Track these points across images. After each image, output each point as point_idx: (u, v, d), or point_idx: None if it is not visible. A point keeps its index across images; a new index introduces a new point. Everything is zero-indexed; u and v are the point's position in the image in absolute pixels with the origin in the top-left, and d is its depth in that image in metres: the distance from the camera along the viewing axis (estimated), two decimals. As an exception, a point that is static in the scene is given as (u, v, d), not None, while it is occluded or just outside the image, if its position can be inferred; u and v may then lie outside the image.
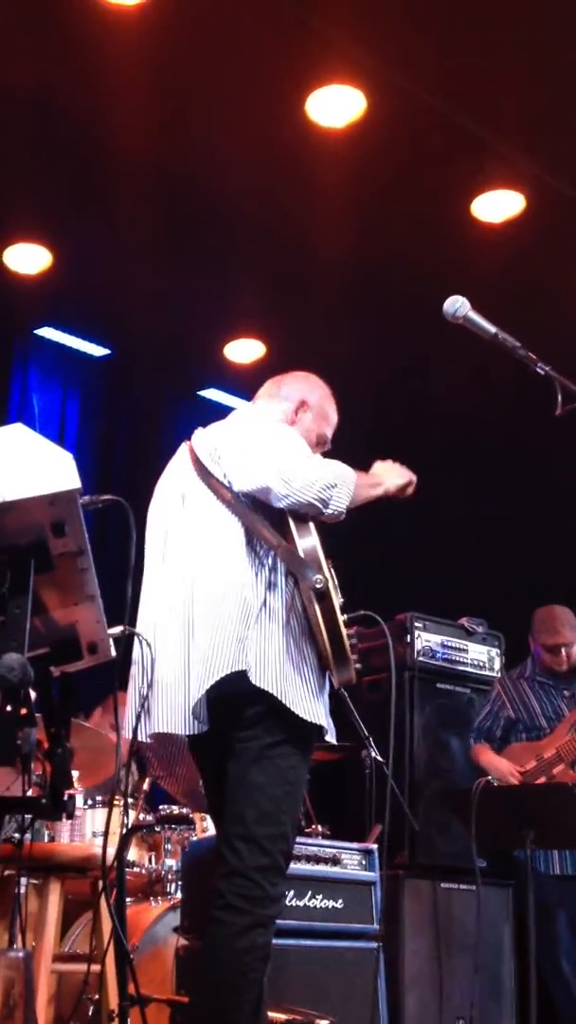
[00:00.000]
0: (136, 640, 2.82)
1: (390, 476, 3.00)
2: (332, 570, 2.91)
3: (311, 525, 2.78)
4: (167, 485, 3.04)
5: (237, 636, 2.68)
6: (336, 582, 2.94)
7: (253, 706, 2.69)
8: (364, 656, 2.85)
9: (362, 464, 2.98)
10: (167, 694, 2.75)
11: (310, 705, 2.72)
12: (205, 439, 2.98)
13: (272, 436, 2.89)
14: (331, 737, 2.81)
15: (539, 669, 4.73)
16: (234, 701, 2.69)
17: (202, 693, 2.67)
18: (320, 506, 2.75)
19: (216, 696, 2.68)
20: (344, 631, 2.73)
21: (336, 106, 4.54)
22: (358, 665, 2.79)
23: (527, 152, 4.82)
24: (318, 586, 2.68)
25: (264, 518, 2.81)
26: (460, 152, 4.78)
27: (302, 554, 2.73)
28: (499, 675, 4.99)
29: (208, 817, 4.07)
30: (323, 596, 2.70)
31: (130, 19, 4.14)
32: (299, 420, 3.11)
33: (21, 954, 1.99)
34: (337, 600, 2.76)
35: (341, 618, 2.73)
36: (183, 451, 3.05)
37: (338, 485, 2.77)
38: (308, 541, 2.75)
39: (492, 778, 4.16)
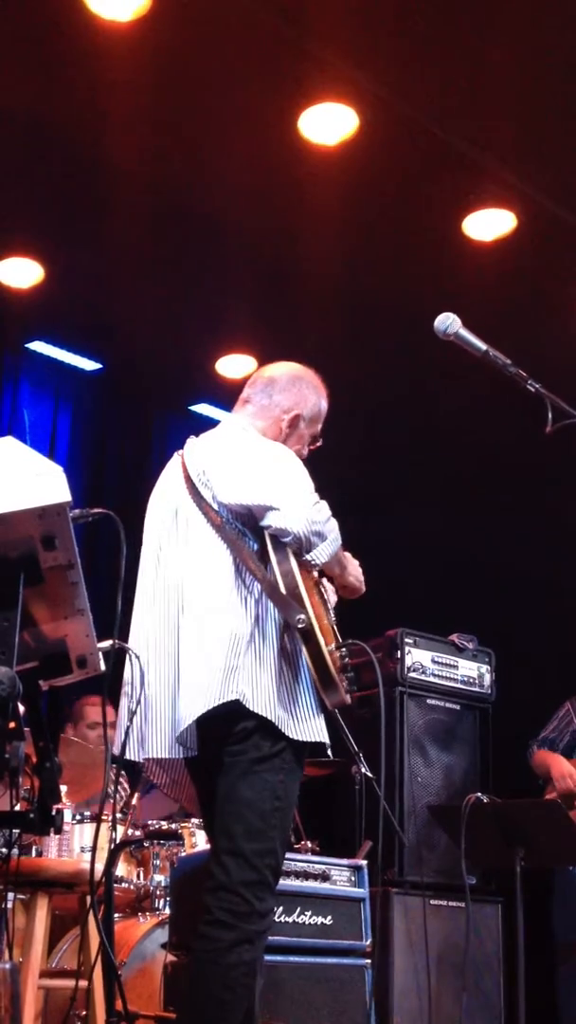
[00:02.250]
0: (128, 656, 2.82)
1: (355, 567, 3.03)
2: (323, 587, 2.91)
3: (290, 552, 2.77)
4: (161, 499, 3.03)
5: (227, 666, 2.68)
6: (327, 597, 2.94)
7: (243, 722, 2.69)
8: (354, 672, 2.86)
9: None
10: (155, 717, 2.74)
11: (306, 723, 2.71)
12: (196, 457, 2.97)
13: (274, 457, 2.88)
14: (327, 751, 2.81)
15: None
16: (224, 720, 2.68)
17: (189, 724, 2.67)
18: (303, 544, 2.74)
19: (206, 717, 2.67)
20: (331, 660, 2.73)
21: (329, 124, 4.55)
22: (353, 687, 2.80)
23: (518, 171, 4.84)
24: (300, 626, 2.68)
25: (251, 545, 2.81)
26: (451, 170, 4.80)
27: (281, 581, 2.73)
28: (489, 692, 5.00)
29: (197, 832, 4.06)
30: (307, 636, 2.70)
31: (123, 36, 4.16)
32: (291, 433, 3.09)
33: (7, 966, 1.97)
34: (330, 622, 2.75)
35: (326, 649, 2.72)
36: (176, 464, 3.04)
37: (327, 539, 2.78)
38: (285, 565, 2.75)
39: (483, 795, 4.14)
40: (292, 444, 3.07)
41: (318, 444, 3.16)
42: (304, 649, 2.70)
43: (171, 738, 2.71)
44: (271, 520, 2.75)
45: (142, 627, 2.87)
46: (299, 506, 2.74)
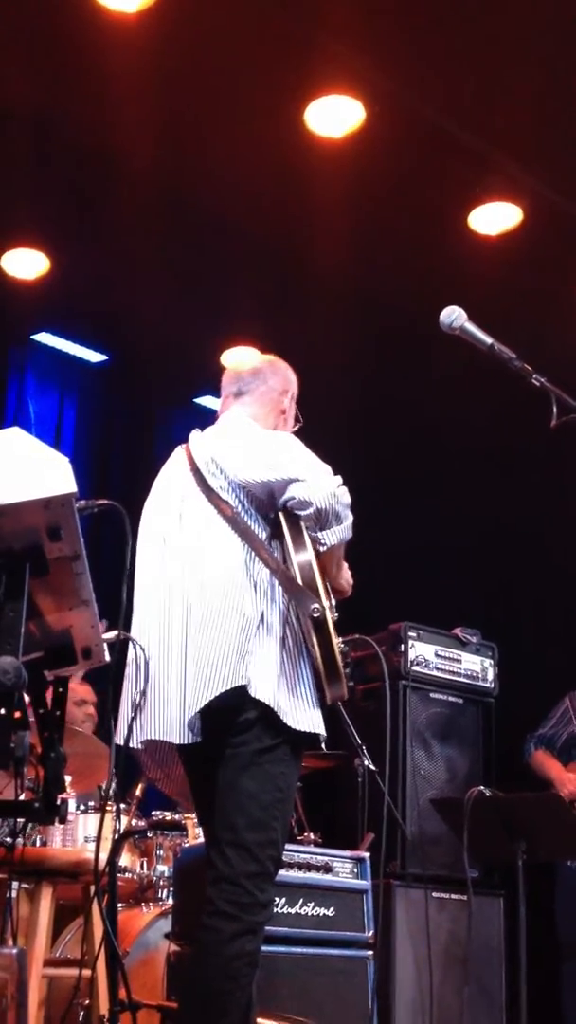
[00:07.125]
0: (132, 646, 2.83)
1: (347, 572, 3.03)
2: (328, 584, 2.91)
3: (307, 539, 2.77)
4: (164, 491, 3.02)
5: (238, 650, 2.68)
6: (332, 597, 2.94)
7: (245, 712, 2.69)
8: (358, 665, 2.87)
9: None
10: (162, 703, 2.75)
11: (304, 715, 2.72)
12: (203, 448, 2.97)
13: (291, 441, 2.90)
14: (321, 744, 2.82)
15: None
16: (228, 710, 2.69)
17: (201, 706, 2.66)
18: (322, 518, 2.73)
19: (210, 706, 2.68)
20: (339, 653, 2.75)
21: (335, 116, 4.55)
22: (351, 683, 2.81)
23: (525, 165, 4.84)
24: (315, 615, 2.69)
25: (262, 533, 2.81)
26: (458, 164, 4.80)
27: (298, 572, 2.73)
28: (492, 686, 5.00)
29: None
30: (320, 625, 2.70)
31: (130, 28, 4.16)
32: (289, 409, 3.17)
33: (14, 951, 1.98)
34: (332, 617, 2.76)
35: (336, 641, 2.74)
36: (180, 456, 3.04)
37: (343, 523, 2.79)
38: (304, 556, 2.76)
39: (485, 789, 4.16)
40: (291, 423, 3.17)
41: (300, 423, 3.22)
42: (315, 638, 2.70)
43: (180, 724, 2.70)
44: (294, 491, 2.74)
45: (146, 618, 2.87)
46: (324, 480, 2.76)
